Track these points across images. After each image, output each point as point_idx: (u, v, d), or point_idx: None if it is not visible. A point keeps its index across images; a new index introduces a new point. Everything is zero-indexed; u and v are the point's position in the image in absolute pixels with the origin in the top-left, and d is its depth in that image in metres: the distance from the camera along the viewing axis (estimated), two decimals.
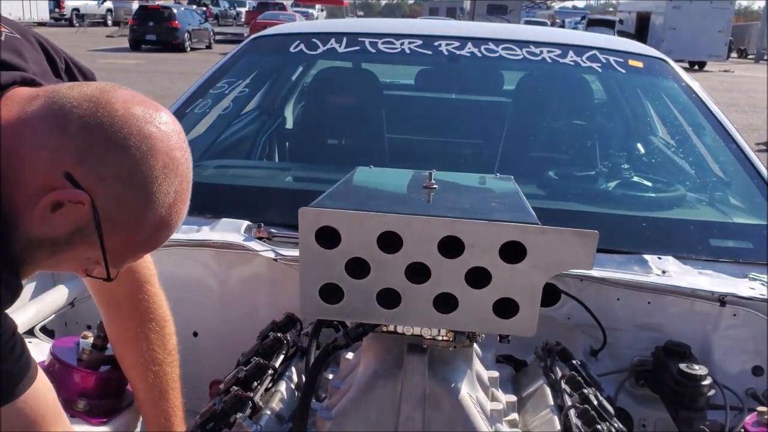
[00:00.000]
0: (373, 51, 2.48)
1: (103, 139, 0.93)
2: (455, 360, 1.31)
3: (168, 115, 1.01)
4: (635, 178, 2.21)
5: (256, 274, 1.86)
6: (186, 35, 23.57)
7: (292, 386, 1.50)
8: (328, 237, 1.10)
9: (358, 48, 2.51)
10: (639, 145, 2.57)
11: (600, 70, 2.46)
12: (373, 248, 1.10)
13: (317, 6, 43.08)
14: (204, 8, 34.07)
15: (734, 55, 34.93)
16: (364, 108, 2.78)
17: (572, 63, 2.46)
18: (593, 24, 31.75)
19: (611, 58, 2.50)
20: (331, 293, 1.14)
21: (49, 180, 0.92)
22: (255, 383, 1.43)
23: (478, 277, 1.09)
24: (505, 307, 1.11)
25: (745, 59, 35.62)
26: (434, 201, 1.25)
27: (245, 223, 1.90)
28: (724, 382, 1.64)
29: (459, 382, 1.30)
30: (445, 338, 1.25)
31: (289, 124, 3.14)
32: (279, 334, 1.59)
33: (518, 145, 2.46)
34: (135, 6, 35.06)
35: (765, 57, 31.24)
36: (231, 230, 1.87)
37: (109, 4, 35.12)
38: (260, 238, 1.85)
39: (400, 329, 1.24)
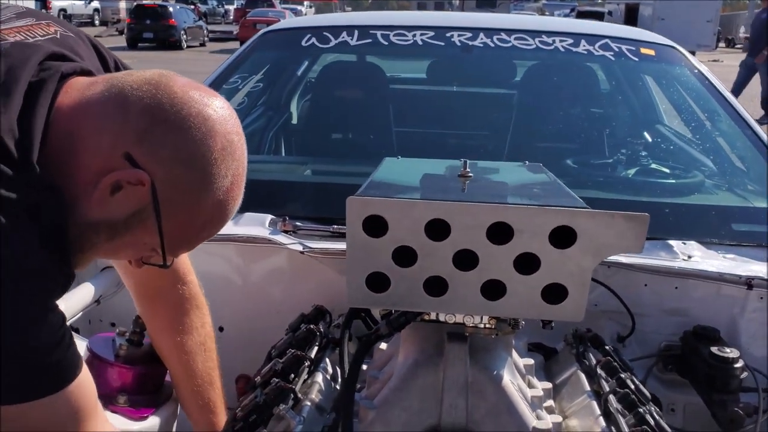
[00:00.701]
0: (386, 43, 2.47)
1: (163, 120, 0.93)
2: (496, 347, 1.32)
3: (224, 101, 1.02)
4: (653, 165, 2.22)
5: (282, 267, 1.85)
6: (182, 33, 23.51)
7: (328, 377, 1.50)
8: (374, 226, 1.10)
9: (370, 40, 2.51)
10: (654, 132, 2.58)
11: (613, 58, 2.47)
12: (421, 236, 1.10)
13: (305, 2, 43.02)
14: (192, 6, 33.90)
15: (722, 44, 35.04)
16: (371, 101, 2.78)
17: (585, 52, 2.46)
18: (582, 16, 31.75)
19: (623, 47, 2.50)
20: (377, 282, 1.14)
21: (109, 162, 0.92)
22: (292, 375, 1.43)
23: (526, 263, 1.10)
24: (554, 293, 1.12)
25: (733, 48, 35.73)
26: (475, 188, 1.25)
27: (269, 216, 1.90)
28: (752, 365, 1.65)
29: (501, 370, 1.30)
30: (488, 326, 1.25)
31: (297, 119, 3.14)
32: (311, 326, 1.59)
33: (533, 134, 2.46)
34: (122, 6, 34.89)
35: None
36: (255, 224, 1.87)
37: (96, 4, 34.88)
38: (285, 231, 1.85)
39: (442, 317, 1.24)
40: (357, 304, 1.17)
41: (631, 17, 30.97)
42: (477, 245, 1.09)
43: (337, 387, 1.50)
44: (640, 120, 2.66)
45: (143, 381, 1.37)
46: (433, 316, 1.25)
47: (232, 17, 37.37)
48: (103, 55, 1.12)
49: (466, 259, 1.11)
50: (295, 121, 3.12)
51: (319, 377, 1.46)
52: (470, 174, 1.31)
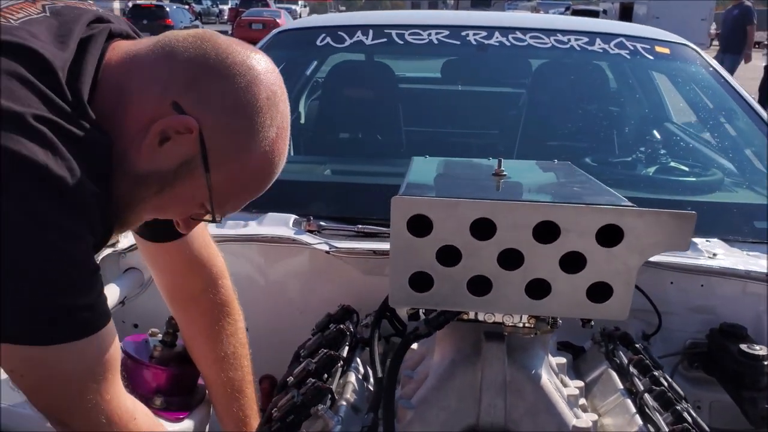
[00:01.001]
0: (401, 42, 2.47)
1: (209, 68, 0.96)
2: (533, 346, 1.32)
3: (267, 57, 1.03)
4: (672, 164, 2.22)
5: (306, 267, 1.85)
6: None
7: (360, 377, 1.50)
8: (419, 225, 1.10)
9: (385, 40, 2.51)
10: (672, 131, 2.58)
11: (628, 56, 2.47)
12: (466, 235, 1.09)
13: (300, 2, 42.94)
14: (187, 6, 33.82)
15: (716, 43, 35.15)
16: (381, 101, 2.77)
17: (600, 50, 2.46)
18: (577, 14, 31.78)
19: (638, 45, 2.51)
20: (420, 282, 1.14)
21: (157, 111, 0.94)
22: (325, 375, 1.43)
23: (572, 262, 1.09)
24: (598, 292, 1.12)
25: None
26: (514, 187, 1.25)
27: (292, 216, 1.90)
28: None
29: (539, 369, 1.30)
30: (527, 325, 1.25)
31: (305, 119, 3.13)
32: (341, 325, 1.59)
33: (547, 132, 2.46)
34: (116, 6, 34.77)
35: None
36: (279, 224, 1.87)
37: None
38: (310, 231, 1.84)
39: (481, 317, 1.24)
40: (399, 304, 1.17)
41: (625, 16, 30.98)
42: (523, 244, 1.09)
43: (369, 387, 1.50)
44: (658, 118, 2.66)
45: (178, 382, 1.37)
46: (471, 316, 1.25)
47: (226, 17, 37.29)
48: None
49: (510, 259, 1.11)
50: (303, 121, 3.11)
51: (352, 377, 1.46)
52: (505, 173, 1.31)
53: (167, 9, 24.06)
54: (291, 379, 1.49)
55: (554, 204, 1.07)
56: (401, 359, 1.27)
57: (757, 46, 11.53)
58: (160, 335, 1.42)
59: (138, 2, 24.38)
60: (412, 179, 1.31)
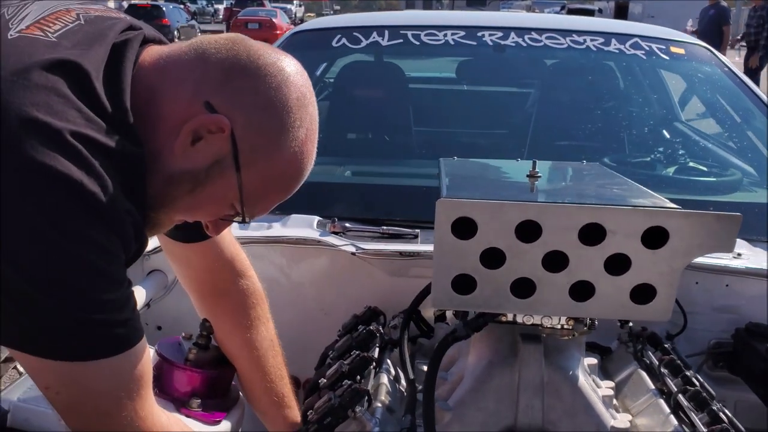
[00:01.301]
0: (417, 43, 2.47)
1: (240, 68, 0.97)
2: (569, 348, 1.32)
3: (296, 61, 1.05)
4: (691, 164, 2.23)
5: (332, 268, 1.85)
6: (175, 32, 23.41)
7: (392, 378, 1.50)
8: (463, 228, 1.11)
9: (401, 41, 2.51)
10: (688, 131, 2.59)
11: (644, 57, 2.47)
12: (511, 238, 1.10)
13: (295, 1, 42.90)
14: (182, 6, 33.74)
15: None
16: (392, 101, 2.77)
17: (617, 51, 2.47)
18: (572, 13, 31.83)
19: (653, 45, 2.51)
20: (463, 284, 1.14)
21: (189, 111, 0.95)
22: (358, 377, 1.43)
23: (617, 264, 1.10)
24: (642, 293, 1.12)
25: None
26: (555, 189, 1.26)
27: (316, 218, 1.90)
28: None
29: (576, 370, 1.31)
30: (566, 326, 1.25)
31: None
32: (371, 327, 1.59)
33: (563, 132, 2.46)
34: (110, 5, 34.58)
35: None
36: (303, 226, 1.87)
37: None
38: (335, 233, 1.84)
39: (519, 318, 1.25)
40: (442, 306, 1.17)
41: (621, 15, 31.05)
42: (568, 246, 1.10)
43: (400, 388, 1.50)
44: (672, 118, 2.67)
45: (214, 384, 1.36)
46: (509, 318, 1.26)
47: (221, 17, 37.22)
48: None
49: (554, 261, 1.12)
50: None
51: (384, 378, 1.46)
52: (539, 174, 1.31)
53: (164, 9, 23.99)
54: (324, 380, 1.49)
55: (601, 206, 1.08)
56: (440, 361, 1.28)
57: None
58: (194, 337, 1.41)
59: (134, 2, 24.28)
60: (449, 181, 1.31)
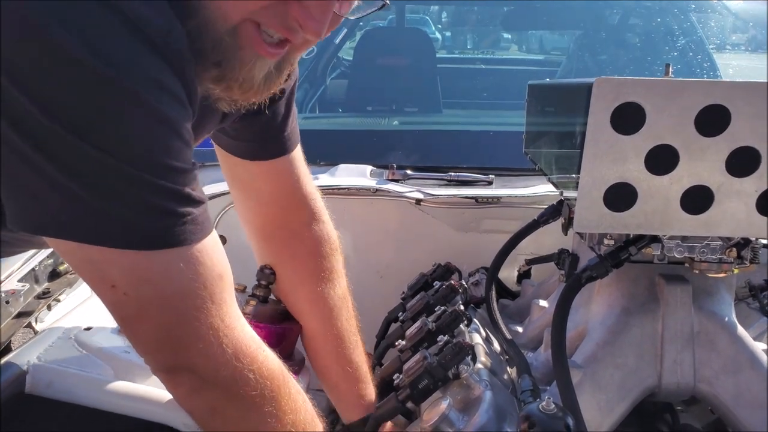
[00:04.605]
0: None
1: None
2: (719, 290, 1.07)
3: None
4: None
5: (390, 223, 1.60)
6: None
7: (483, 337, 1.24)
8: (623, 119, 0.85)
9: None
10: None
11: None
12: (689, 130, 0.84)
13: None
14: None
15: None
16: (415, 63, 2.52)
17: None
18: None
19: None
20: (618, 197, 0.89)
21: None
22: (445, 335, 1.17)
23: None
24: None
25: None
26: None
27: (369, 167, 1.64)
28: None
29: (731, 315, 1.06)
30: (726, 259, 1.00)
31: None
32: (453, 282, 1.33)
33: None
34: None
35: None
36: (356, 175, 1.61)
37: None
38: (394, 180, 1.59)
39: (657, 252, 0.99)
40: (587, 228, 0.91)
41: None
42: (762, 141, 0.84)
43: (494, 349, 1.24)
44: None
45: (280, 341, 1.10)
46: (646, 254, 1.00)
47: None
48: None
49: (740, 162, 0.86)
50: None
51: (477, 337, 1.20)
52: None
53: None
54: (402, 342, 1.23)
55: None
56: (569, 308, 1.01)
57: None
58: (249, 289, 1.15)
59: None
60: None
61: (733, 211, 0.88)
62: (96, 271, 0.70)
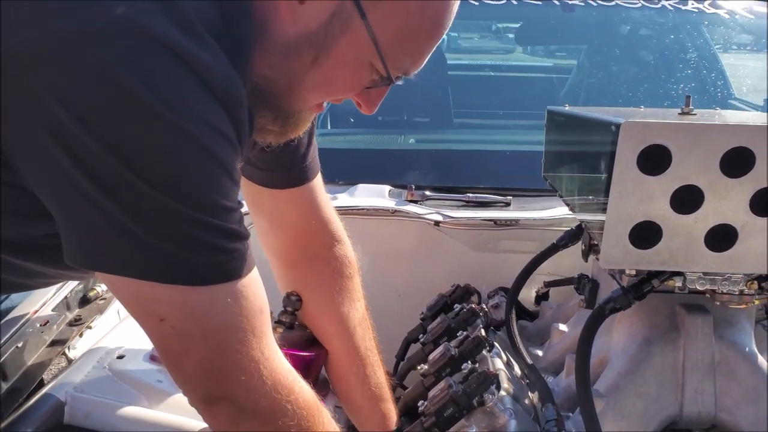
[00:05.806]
0: (476, 3, 2.24)
1: None
2: (739, 320, 1.09)
3: None
4: None
5: (409, 243, 1.62)
6: None
7: (504, 362, 1.26)
8: (652, 160, 0.87)
9: None
10: None
11: (727, 16, 2.25)
12: (714, 172, 0.86)
13: None
14: None
15: None
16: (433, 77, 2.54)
17: (695, 11, 2.25)
18: None
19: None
20: (643, 234, 0.91)
21: None
22: (467, 361, 1.19)
23: None
24: None
25: None
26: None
27: (387, 187, 1.66)
28: None
29: (751, 345, 1.08)
30: (747, 292, 1.01)
31: None
32: (473, 305, 1.35)
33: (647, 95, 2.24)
34: None
35: None
36: (375, 195, 1.62)
37: None
38: (412, 201, 1.61)
39: (678, 284, 1.00)
40: (613, 264, 0.93)
41: None
42: None
43: (515, 374, 1.26)
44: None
45: (306, 369, 1.12)
46: (669, 284, 1.02)
47: None
48: None
49: (764, 202, 0.88)
50: None
51: (498, 363, 1.22)
52: (695, 112, 1.08)
53: None
54: (424, 366, 1.25)
55: None
56: (593, 338, 1.03)
57: None
58: (275, 315, 1.17)
59: None
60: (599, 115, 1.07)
61: (756, 249, 0.90)
62: (145, 305, 0.73)
